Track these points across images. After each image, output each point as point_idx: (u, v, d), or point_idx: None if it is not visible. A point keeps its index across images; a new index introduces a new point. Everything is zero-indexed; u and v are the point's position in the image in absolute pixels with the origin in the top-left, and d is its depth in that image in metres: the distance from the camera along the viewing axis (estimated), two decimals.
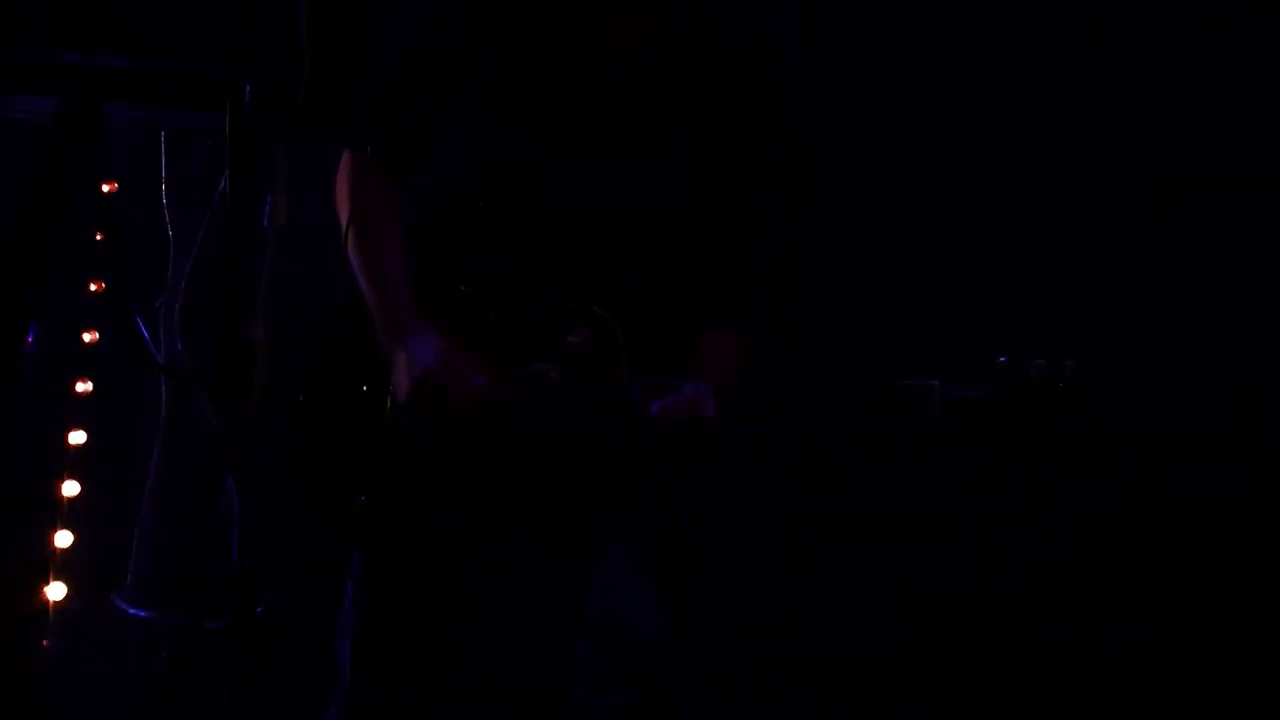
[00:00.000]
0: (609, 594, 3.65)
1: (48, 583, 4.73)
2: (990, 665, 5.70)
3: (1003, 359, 3.44)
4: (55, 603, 4.73)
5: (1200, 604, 5.53)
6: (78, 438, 4.89)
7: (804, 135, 3.88)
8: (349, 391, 3.76)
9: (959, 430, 3.48)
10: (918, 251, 5.51)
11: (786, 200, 3.83)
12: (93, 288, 4.87)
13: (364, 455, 3.71)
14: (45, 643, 4.61)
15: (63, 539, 4.80)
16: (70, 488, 4.86)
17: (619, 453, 3.68)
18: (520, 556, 3.77)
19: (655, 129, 3.72)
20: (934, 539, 5.64)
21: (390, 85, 3.72)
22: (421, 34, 3.76)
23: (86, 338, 4.89)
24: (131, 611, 4.31)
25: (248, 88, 2.43)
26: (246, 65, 2.47)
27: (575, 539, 3.70)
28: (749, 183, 3.77)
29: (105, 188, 4.71)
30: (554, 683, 3.66)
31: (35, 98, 2.50)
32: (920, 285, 5.49)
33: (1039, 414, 3.43)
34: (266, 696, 3.56)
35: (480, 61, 3.72)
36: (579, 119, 3.72)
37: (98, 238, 4.74)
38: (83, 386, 4.89)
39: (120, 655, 4.68)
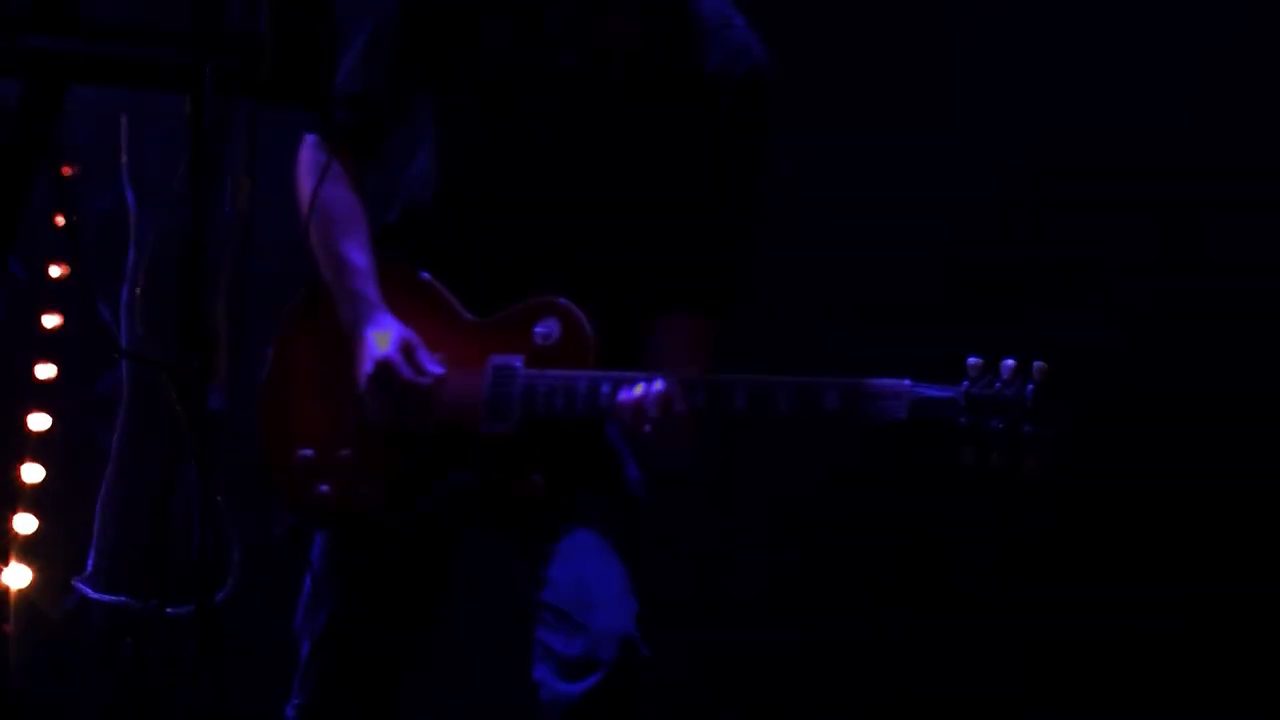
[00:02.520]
0: (574, 580, 3.63)
1: (6, 565, 4.73)
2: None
3: (973, 359, 3.46)
4: (18, 589, 4.73)
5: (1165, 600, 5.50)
6: (40, 422, 4.88)
7: (771, 128, 3.87)
8: (311, 373, 3.76)
9: (926, 429, 3.50)
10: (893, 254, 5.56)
11: (752, 193, 3.84)
12: (55, 272, 4.86)
13: (327, 438, 3.73)
14: (6, 628, 4.61)
15: (24, 523, 4.79)
16: (33, 472, 4.85)
17: (584, 445, 3.69)
18: (483, 547, 3.77)
19: (624, 122, 3.72)
20: (897, 530, 5.67)
21: (357, 70, 3.71)
22: (389, 19, 3.75)
23: (49, 322, 4.88)
24: (93, 596, 4.30)
25: (209, 70, 2.41)
26: (209, 47, 2.45)
27: (538, 529, 3.68)
28: (715, 175, 3.78)
29: (66, 171, 4.70)
30: (524, 671, 3.66)
31: None
32: (895, 283, 5.55)
33: (1007, 415, 3.47)
34: (227, 683, 3.57)
35: (449, 49, 3.72)
36: (547, 109, 3.72)
37: (58, 221, 4.73)
38: (45, 371, 4.88)
39: (83, 641, 4.67)
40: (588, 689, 3.51)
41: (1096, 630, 5.71)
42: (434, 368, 3.60)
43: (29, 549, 4.80)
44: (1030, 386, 3.42)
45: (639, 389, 3.50)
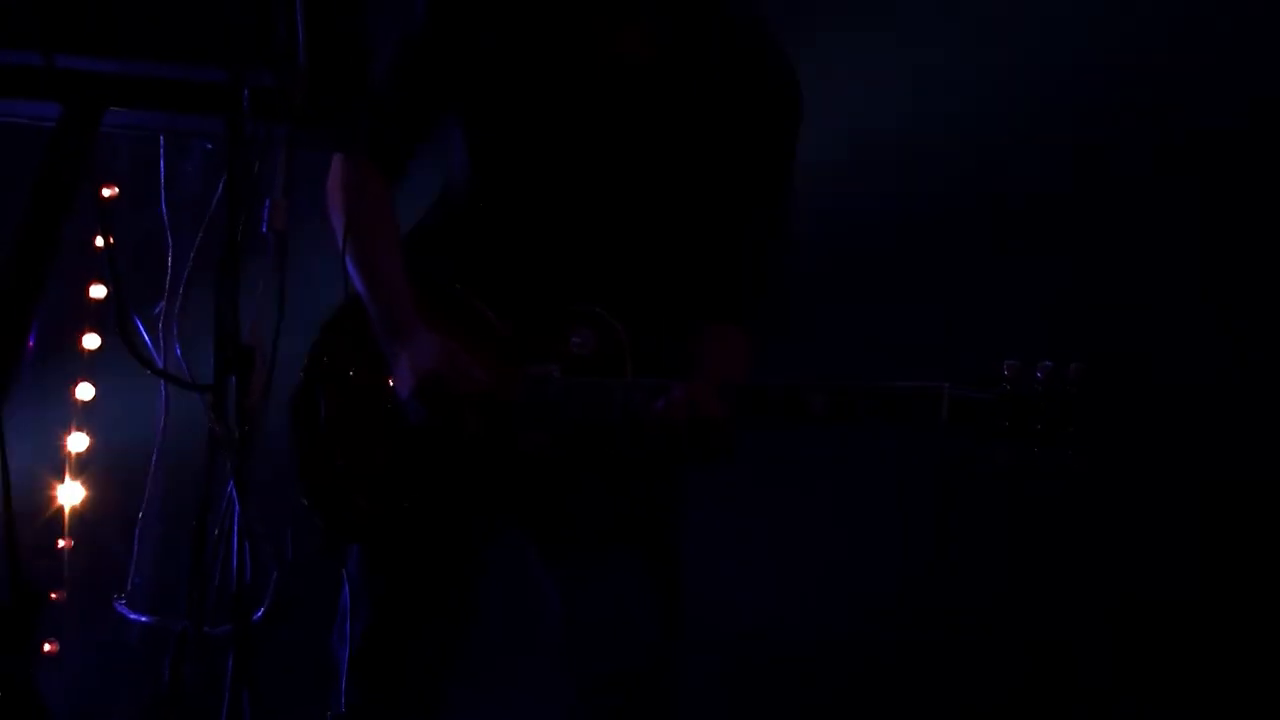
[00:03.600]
0: (605, 595, 3.67)
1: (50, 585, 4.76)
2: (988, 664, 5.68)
3: (1011, 362, 3.47)
4: (56, 605, 4.75)
5: (1205, 614, 5.50)
6: (79, 441, 4.91)
7: (796, 142, 3.88)
8: (348, 386, 3.78)
9: (967, 432, 3.51)
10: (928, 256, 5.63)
11: (782, 202, 3.85)
12: (93, 292, 4.89)
13: (364, 452, 3.74)
14: (49, 646, 4.63)
15: (64, 542, 4.83)
16: (73, 492, 4.88)
17: (621, 454, 3.69)
18: (518, 556, 3.77)
19: (654, 133, 3.72)
20: (932, 540, 5.70)
21: (387, 90, 3.72)
22: (418, 40, 3.76)
23: (90, 343, 4.91)
24: (132, 616, 4.30)
25: (246, 94, 2.43)
26: (245, 71, 2.47)
27: (574, 539, 3.71)
28: (745, 184, 3.78)
29: (105, 192, 4.72)
30: (551, 684, 3.68)
31: (36, 103, 2.49)
32: (931, 288, 5.61)
33: (1045, 417, 3.46)
34: (266, 701, 3.57)
35: (476, 66, 3.73)
36: (577, 122, 3.72)
37: (98, 242, 4.75)
38: (84, 391, 4.90)
39: (122, 659, 4.69)
40: (614, 704, 3.59)
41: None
42: (475, 377, 3.62)
43: (69, 566, 4.83)
44: (1069, 388, 3.44)
45: (673, 396, 3.52)
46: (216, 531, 3.13)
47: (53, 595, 4.74)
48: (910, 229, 5.71)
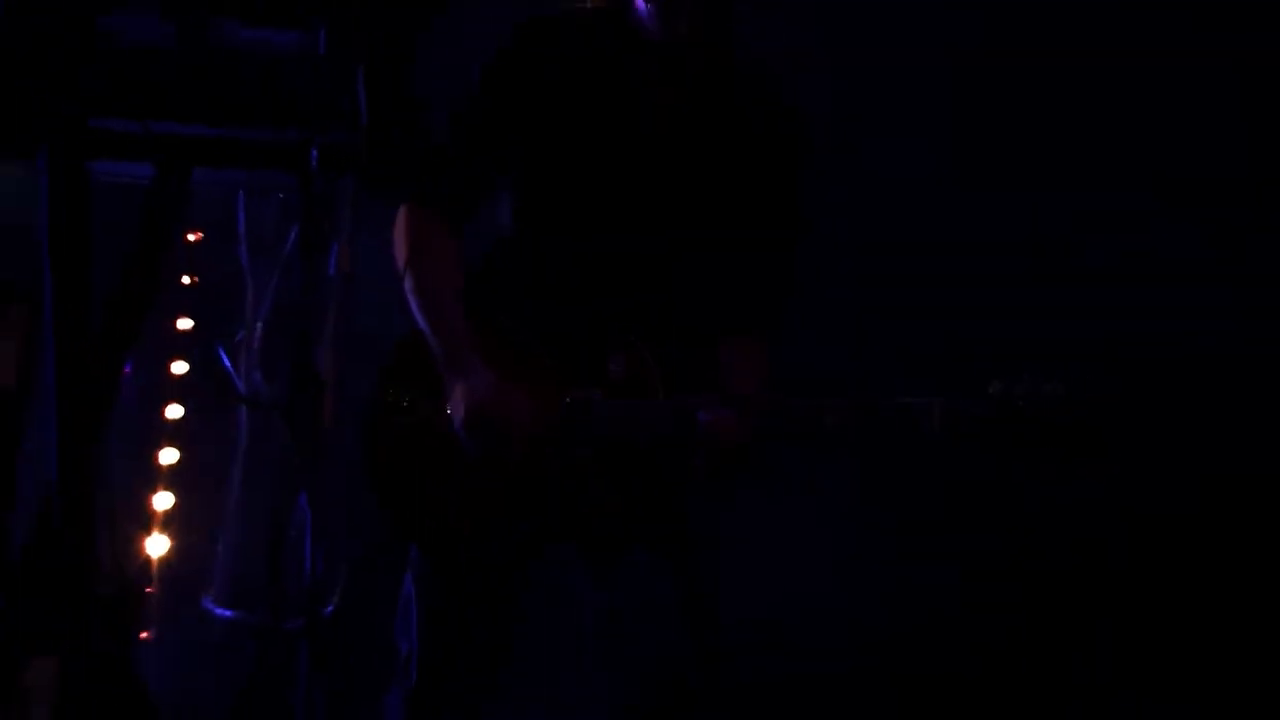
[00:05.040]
0: (639, 590, 3.66)
1: (145, 582, 4.79)
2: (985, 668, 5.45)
3: (996, 383, 3.47)
4: (151, 601, 4.79)
5: (1192, 611, 5.29)
6: (170, 455, 4.95)
7: (812, 181, 3.91)
8: (410, 412, 3.75)
9: (959, 444, 3.50)
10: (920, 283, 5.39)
11: (794, 231, 3.84)
12: (182, 324, 4.92)
13: (424, 471, 3.76)
14: (144, 635, 4.65)
15: (156, 545, 4.86)
16: (164, 500, 4.92)
17: (656, 469, 3.69)
18: (563, 563, 3.75)
19: (681, 180, 3.72)
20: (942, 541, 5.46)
21: (448, 146, 3.70)
22: (474, 101, 3.78)
23: (178, 369, 4.94)
24: (218, 612, 4.36)
25: (315, 153, 2.48)
26: (314, 132, 2.51)
27: (613, 548, 3.71)
28: (762, 219, 3.80)
29: (191, 237, 4.77)
30: (590, 679, 3.70)
31: (135, 164, 2.55)
32: (921, 312, 5.36)
33: (1028, 430, 3.48)
34: (336, 687, 3.64)
35: (524, 123, 3.76)
36: (612, 171, 3.72)
37: (185, 280, 4.80)
38: (174, 411, 4.95)
39: (208, 652, 4.71)
40: (648, 685, 3.58)
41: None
42: (522, 404, 3.69)
43: (161, 566, 4.87)
44: (1044, 399, 3.48)
45: (701, 423, 3.52)
46: (292, 535, 3.19)
47: (147, 590, 4.78)
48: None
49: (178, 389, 4.96)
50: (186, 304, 4.88)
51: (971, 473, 5.07)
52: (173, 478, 4.92)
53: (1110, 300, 5.40)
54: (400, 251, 3.72)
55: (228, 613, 4.44)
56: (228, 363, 3.87)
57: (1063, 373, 3.53)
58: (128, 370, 3.24)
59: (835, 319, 5.20)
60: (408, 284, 3.73)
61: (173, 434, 4.93)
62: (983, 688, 5.41)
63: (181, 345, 4.97)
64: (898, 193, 5.50)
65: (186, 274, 4.84)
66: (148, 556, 4.79)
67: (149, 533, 4.84)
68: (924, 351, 5.15)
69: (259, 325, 3.66)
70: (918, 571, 5.46)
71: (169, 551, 4.83)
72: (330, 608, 3.69)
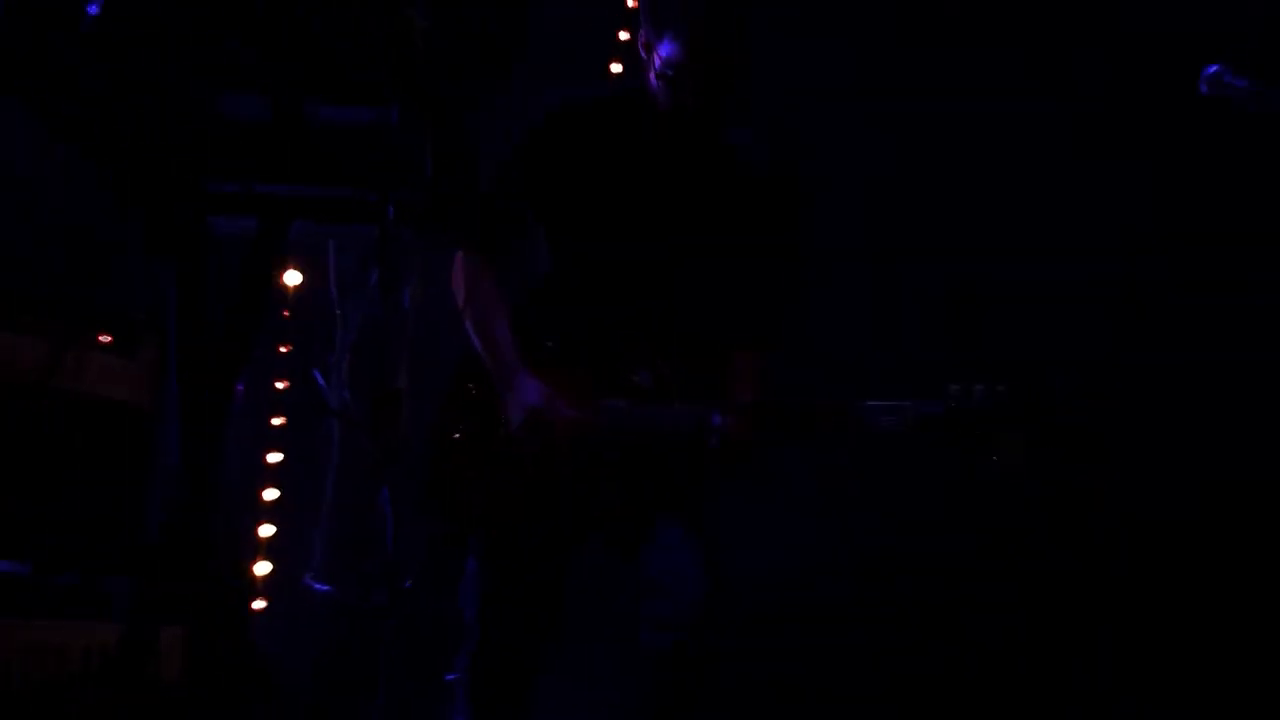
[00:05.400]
0: (663, 563, 3.63)
1: (256, 562, 4.79)
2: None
3: (954, 387, 3.46)
4: (261, 578, 4.78)
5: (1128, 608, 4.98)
6: (275, 457, 4.94)
7: (801, 236, 3.85)
8: (471, 420, 3.75)
9: (927, 440, 3.47)
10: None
11: (786, 276, 3.84)
12: (282, 350, 4.91)
13: (484, 469, 3.73)
14: (255, 608, 4.65)
15: (266, 530, 4.86)
16: (271, 494, 4.92)
17: (674, 460, 3.67)
18: (600, 537, 3.75)
19: (688, 224, 3.71)
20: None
21: (494, 205, 3.71)
22: (513, 165, 3.80)
23: (279, 385, 4.94)
24: (316, 588, 4.35)
25: (390, 208, 2.47)
26: (388, 191, 2.51)
27: (641, 523, 3.68)
28: (759, 274, 3.77)
29: (288, 277, 4.77)
30: (629, 629, 3.65)
31: (242, 218, 2.54)
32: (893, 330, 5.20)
33: (982, 425, 3.45)
34: (412, 649, 3.62)
35: (555, 186, 3.75)
36: (627, 225, 3.72)
37: (284, 314, 4.80)
38: (278, 420, 4.94)
39: (308, 621, 4.70)
40: (673, 639, 3.53)
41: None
42: (565, 412, 3.66)
43: (269, 549, 4.86)
44: (994, 402, 3.46)
45: (712, 425, 3.52)
46: (375, 523, 3.18)
47: (258, 568, 4.77)
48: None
49: (281, 403, 4.96)
50: (288, 333, 4.88)
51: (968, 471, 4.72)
52: (278, 475, 4.92)
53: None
54: (459, 290, 3.72)
55: (324, 588, 4.42)
56: (321, 382, 3.87)
57: (1011, 378, 3.49)
58: (239, 388, 3.23)
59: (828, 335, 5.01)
60: (466, 318, 3.73)
61: (277, 439, 4.93)
62: (983, 689, 5.09)
63: (283, 367, 4.97)
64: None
65: (287, 308, 4.85)
66: (259, 540, 4.79)
67: (260, 521, 4.84)
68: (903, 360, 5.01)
69: (346, 351, 3.65)
70: (914, 568, 5.19)
71: (275, 536, 4.83)
72: (408, 584, 3.67)
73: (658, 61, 3.62)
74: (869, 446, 3.90)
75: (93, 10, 2.13)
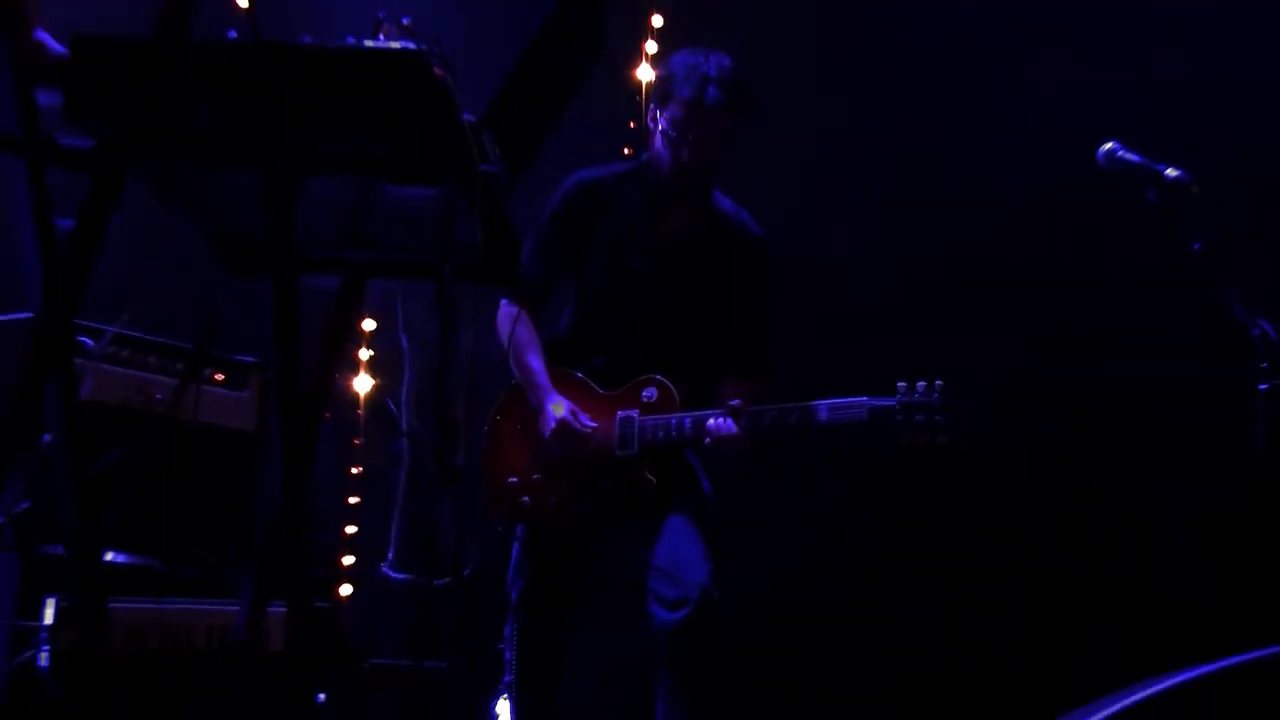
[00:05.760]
0: (672, 549, 3.64)
1: (343, 555, 4.82)
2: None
3: (901, 383, 3.52)
4: (347, 568, 4.82)
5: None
6: (357, 470, 4.98)
7: (774, 286, 3.90)
8: (514, 434, 3.81)
9: (878, 426, 3.53)
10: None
11: (767, 314, 3.87)
12: (362, 384, 4.94)
13: (524, 471, 3.78)
14: (342, 592, 4.67)
15: (350, 530, 4.89)
16: (354, 499, 4.95)
17: (678, 460, 3.74)
18: (619, 527, 3.77)
19: (684, 279, 3.78)
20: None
21: (529, 262, 3.77)
22: (545, 231, 3.83)
23: (359, 412, 4.97)
24: (391, 575, 4.36)
25: (447, 268, 2.50)
26: (446, 254, 2.52)
27: (650, 518, 3.70)
28: (744, 305, 3.82)
29: (366, 324, 4.83)
30: (642, 606, 3.67)
31: (329, 276, 2.56)
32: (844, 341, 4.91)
33: (926, 411, 3.49)
34: (471, 623, 3.62)
35: (578, 246, 3.80)
36: (637, 276, 3.78)
37: (364, 354, 4.84)
38: (359, 441, 4.98)
39: (386, 602, 4.74)
40: (681, 616, 3.54)
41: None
42: (588, 422, 3.70)
43: (353, 544, 4.89)
44: (935, 395, 3.48)
45: (708, 423, 3.59)
46: (439, 522, 3.20)
47: (345, 559, 4.79)
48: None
49: (361, 427, 5.00)
50: (365, 370, 4.92)
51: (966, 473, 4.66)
52: (360, 484, 4.95)
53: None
54: (502, 331, 3.77)
55: (398, 575, 4.43)
56: (394, 409, 3.89)
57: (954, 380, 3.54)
58: (328, 415, 3.26)
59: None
60: (508, 353, 3.78)
61: (359, 456, 4.96)
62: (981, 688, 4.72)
63: (362, 398, 5.01)
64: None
65: (366, 349, 4.89)
66: (345, 537, 4.81)
67: (346, 522, 4.87)
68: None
69: (413, 384, 3.68)
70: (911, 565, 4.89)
71: (357, 534, 4.86)
72: (467, 571, 3.68)
73: (664, 124, 3.67)
74: (840, 441, 3.87)
75: (215, 99, 2.14)
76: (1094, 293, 4.75)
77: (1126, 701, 2.86)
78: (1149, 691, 2.87)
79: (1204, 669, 2.90)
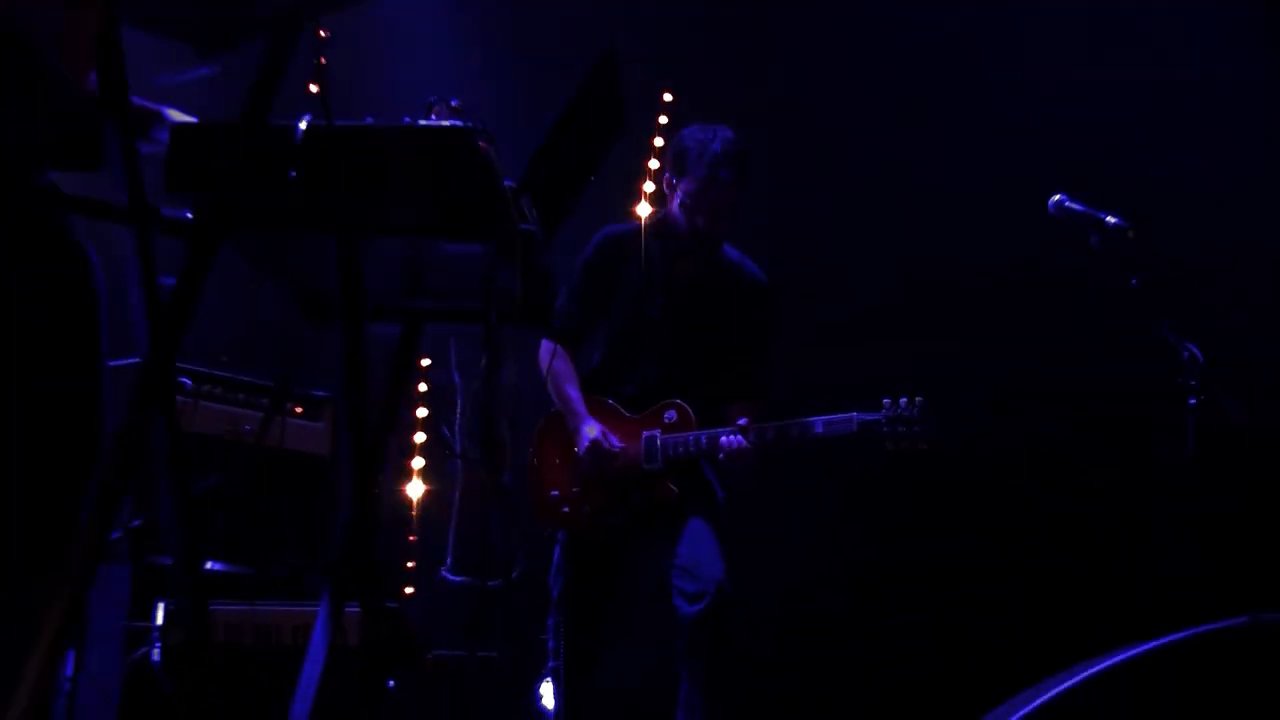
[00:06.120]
0: (691, 549, 3.64)
1: (406, 561, 4.84)
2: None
3: (886, 400, 3.52)
4: (409, 571, 4.84)
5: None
6: (417, 488, 4.99)
7: (774, 323, 3.90)
8: (554, 453, 3.83)
9: (867, 437, 3.51)
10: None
11: (767, 347, 3.89)
12: (421, 413, 4.97)
13: (563, 485, 3.81)
14: (406, 593, 4.71)
15: (412, 538, 4.92)
16: (415, 512, 4.97)
17: (696, 472, 3.75)
18: (646, 533, 3.77)
19: (698, 317, 3.81)
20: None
21: (565, 304, 3.80)
22: (580, 278, 3.86)
23: (417, 439, 5.02)
24: (449, 578, 4.38)
25: (493, 313, 2.53)
26: (491, 302, 2.55)
27: (672, 524, 3.70)
28: (747, 341, 3.85)
29: (423, 362, 4.89)
30: (667, 599, 3.66)
31: (390, 325, 2.56)
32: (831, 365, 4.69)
33: (907, 424, 3.50)
34: (520, 617, 3.65)
35: (608, 290, 3.83)
36: (658, 315, 3.80)
37: (422, 387, 4.88)
38: (416, 463, 5.00)
39: (445, 602, 4.73)
40: (700, 608, 3.54)
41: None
42: (616, 443, 3.73)
43: (415, 551, 4.91)
44: (915, 409, 3.50)
45: (721, 440, 3.62)
46: (491, 530, 3.23)
47: (409, 565, 4.81)
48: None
49: (419, 450, 5.03)
50: (423, 401, 4.96)
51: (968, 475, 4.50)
52: (419, 500, 4.99)
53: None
54: (543, 365, 3.80)
55: (455, 578, 4.46)
56: (448, 435, 3.94)
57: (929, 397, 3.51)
58: (392, 440, 3.30)
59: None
60: (548, 384, 3.83)
61: (418, 475, 5.00)
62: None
63: (418, 426, 5.05)
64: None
65: (423, 383, 4.93)
66: (408, 544, 4.84)
67: (408, 531, 4.87)
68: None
69: (464, 413, 3.73)
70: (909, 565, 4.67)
71: (418, 542, 4.87)
72: (516, 573, 3.73)
73: (680, 194, 3.74)
74: (837, 453, 3.84)
75: (292, 174, 2.18)
76: (1092, 293, 4.41)
77: (1044, 698, 2.86)
78: (1063, 686, 2.87)
79: (1109, 660, 2.89)
